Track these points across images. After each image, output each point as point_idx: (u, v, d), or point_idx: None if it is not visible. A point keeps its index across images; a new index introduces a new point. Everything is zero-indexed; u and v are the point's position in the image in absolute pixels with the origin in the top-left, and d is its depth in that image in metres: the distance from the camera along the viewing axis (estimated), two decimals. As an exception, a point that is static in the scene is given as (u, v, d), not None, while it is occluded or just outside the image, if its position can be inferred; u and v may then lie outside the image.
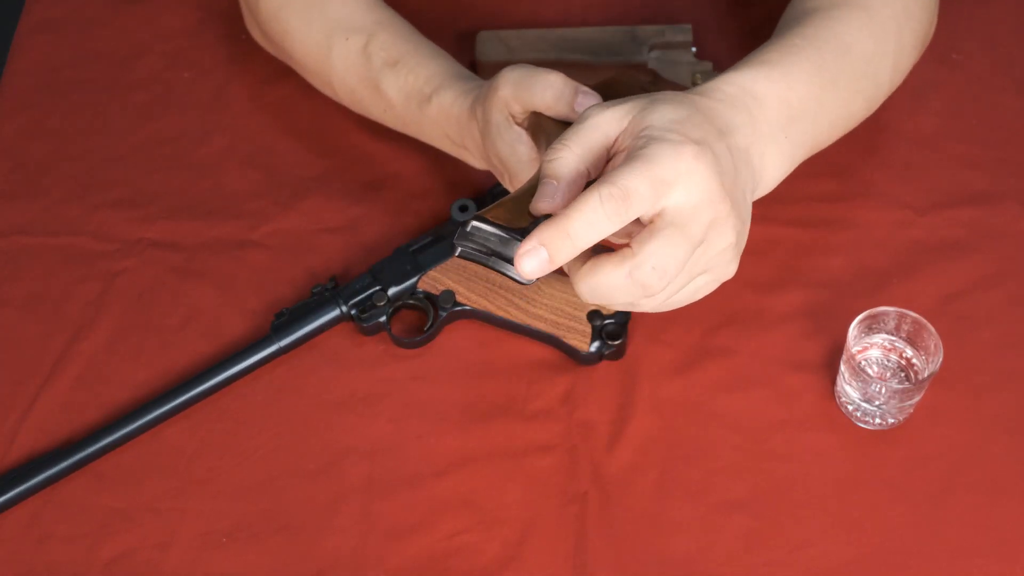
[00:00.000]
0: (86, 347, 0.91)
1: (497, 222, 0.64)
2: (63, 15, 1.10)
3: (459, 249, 0.67)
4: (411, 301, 0.90)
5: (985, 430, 0.85)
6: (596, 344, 0.87)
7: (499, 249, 0.66)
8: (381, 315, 0.89)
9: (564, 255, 0.64)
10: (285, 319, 0.89)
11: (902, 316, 0.85)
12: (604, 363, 0.89)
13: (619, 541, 0.82)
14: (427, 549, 0.82)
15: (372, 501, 0.84)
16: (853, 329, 0.83)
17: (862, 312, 0.84)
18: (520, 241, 0.63)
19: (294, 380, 0.89)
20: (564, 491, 0.84)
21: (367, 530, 0.83)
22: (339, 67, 0.92)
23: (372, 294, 0.89)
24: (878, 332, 0.86)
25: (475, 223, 0.65)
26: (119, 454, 0.86)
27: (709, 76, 1.00)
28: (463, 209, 0.92)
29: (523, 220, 0.65)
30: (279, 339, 0.88)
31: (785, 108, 0.77)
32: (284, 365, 0.90)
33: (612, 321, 0.87)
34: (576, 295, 0.83)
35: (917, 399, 0.84)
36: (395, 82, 0.90)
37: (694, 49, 1.02)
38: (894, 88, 0.89)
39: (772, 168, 0.76)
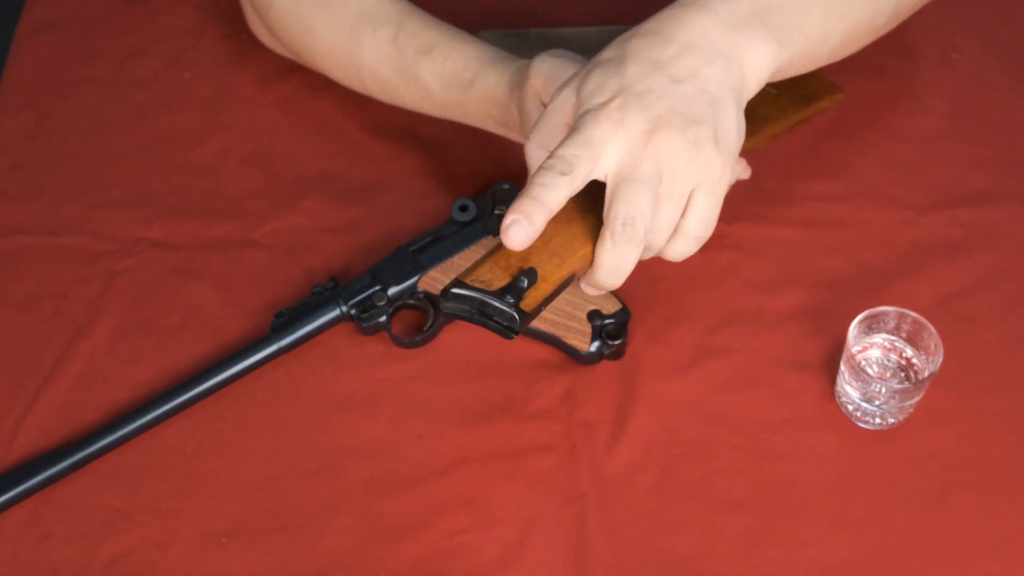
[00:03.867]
0: (86, 347, 0.91)
1: (476, 285, 0.71)
2: (63, 15, 1.10)
3: (445, 305, 0.73)
4: (411, 301, 0.90)
5: (985, 430, 0.85)
6: (596, 344, 0.87)
7: (480, 308, 0.72)
8: (381, 315, 0.89)
9: (539, 217, 0.71)
10: (285, 319, 0.89)
11: (902, 316, 0.85)
12: (604, 363, 0.89)
13: (619, 541, 0.82)
14: (427, 549, 0.82)
15: (372, 501, 0.84)
16: (853, 329, 0.83)
17: (862, 312, 0.84)
18: (497, 302, 0.70)
19: (294, 380, 0.89)
20: (564, 491, 0.84)
21: (367, 530, 0.83)
22: (370, 59, 0.92)
23: (372, 294, 0.89)
24: (878, 332, 0.86)
25: (455, 289, 0.71)
26: (119, 454, 0.86)
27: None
28: (463, 209, 0.92)
29: (504, 278, 0.72)
30: (279, 339, 0.88)
31: None
32: (284, 365, 0.90)
33: (612, 321, 0.87)
34: (576, 296, 0.83)
35: (917, 399, 0.84)
36: (432, 69, 0.90)
37: (694, 49, 1.02)
38: (913, 9, 0.86)
39: (754, 60, 0.76)
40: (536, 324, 0.88)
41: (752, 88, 0.77)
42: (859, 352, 0.86)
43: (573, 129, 0.73)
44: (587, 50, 1.02)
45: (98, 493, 0.84)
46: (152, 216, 0.98)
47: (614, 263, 0.73)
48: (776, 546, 0.81)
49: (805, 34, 0.79)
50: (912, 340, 0.86)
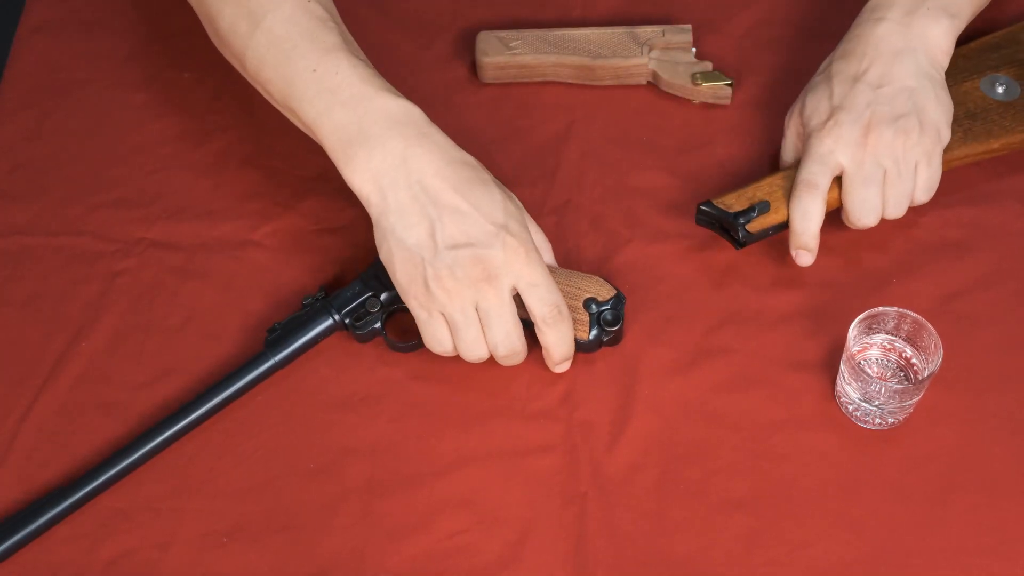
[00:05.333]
0: (86, 347, 0.91)
1: (720, 206, 0.90)
2: (63, 15, 1.10)
3: (697, 217, 0.92)
4: (404, 305, 0.90)
5: (985, 430, 0.85)
6: (595, 331, 0.87)
7: (720, 222, 0.91)
8: (376, 321, 0.89)
9: (813, 242, 0.89)
10: (278, 334, 0.88)
11: (902, 316, 0.85)
12: (604, 364, 0.89)
13: (619, 541, 0.82)
14: (427, 549, 0.82)
15: (372, 501, 0.84)
16: (853, 329, 0.83)
17: (862, 312, 0.84)
18: (734, 221, 0.90)
19: (294, 380, 0.89)
20: (564, 491, 0.84)
21: (367, 530, 0.83)
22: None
23: (365, 300, 0.89)
24: (878, 332, 0.86)
25: (703, 206, 0.91)
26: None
27: (709, 76, 1.00)
28: None
29: (742, 205, 0.90)
30: (274, 354, 0.87)
31: None
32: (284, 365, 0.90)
33: (608, 307, 0.87)
34: (569, 285, 0.83)
35: (917, 399, 0.84)
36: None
37: (694, 49, 1.02)
38: None
39: (935, 39, 0.90)
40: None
41: (943, 61, 0.91)
42: (859, 352, 0.86)
43: (806, 150, 0.90)
44: (587, 50, 1.02)
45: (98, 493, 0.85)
46: (152, 216, 0.98)
47: (860, 227, 0.91)
48: (776, 546, 0.81)
49: None
50: (912, 340, 0.86)
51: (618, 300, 0.88)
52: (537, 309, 0.84)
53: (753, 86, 1.03)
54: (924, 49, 0.90)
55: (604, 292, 0.88)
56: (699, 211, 0.92)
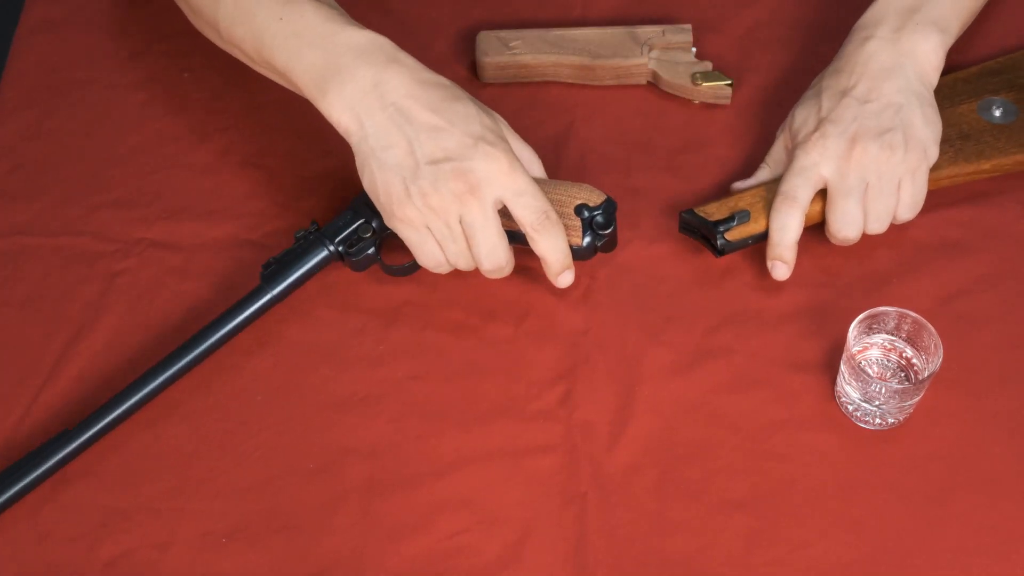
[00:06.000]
0: (86, 347, 0.91)
1: (701, 215, 0.91)
2: (63, 15, 1.10)
3: (680, 225, 0.93)
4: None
5: (985, 430, 0.85)
6: (588, 237, 0.88)
7: (701, 230, 0.91)
8: (369, 247, 0.89)
9: (790, 255, 0.89)
10: (274, 268, 0.89)
11: (902, 316, 0.85)
12: (604, 364, 0.89)
13: (619, 541, 0.82)
14: (427, 549, 0.82)
15: (372, 501, 0.84)
16: (853, 329, 0.83)
17: (862, 312, 0.84)
18: (713, 229, 0.90)
19: (294, 380, 0.89)
20: (564, 491, 0.84)
21: (367, 530, 0.83)
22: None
23: (358, 227, 0.89)
24: (878, 332, 0.86)
25: (685, 214, 0.92)
26: (119, 454, 0.86)
27: (709, 76, 1.00)
28: None
29: (723, 213, 0.91)
30: (271, 288, 0.88)
31: (898, 5, 0.91)
32: (284, 364, 0.90)
33: (599, 212, 0.88)
34: (558, 194, 0.89)
35: (917, 399, 0.84)
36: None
37: (694, 49, 1.02)
38: None
39: (924, 55, 0.90)
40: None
41: (933, 77, 0.91)
42: (859, 352, 0.86)
43: (790, 163, 0.90)
44: (587, 50, 1.02)
45: (98, 493, 0.85)
46: (152, 216, 0.98)
47: (840, 239, 0.90)
48: (776, 546, 0.81)
49: (957, 11, 0.93)
50: (912, 340, 0.86)
51: (609, 204, 0.88)
52: (525, 217, 0.84)
53: (753, 86, 1.03)
54: (913, 65, 0.90)
55: (594, 198, 0.88)
56: (681, 219, 0.93)
